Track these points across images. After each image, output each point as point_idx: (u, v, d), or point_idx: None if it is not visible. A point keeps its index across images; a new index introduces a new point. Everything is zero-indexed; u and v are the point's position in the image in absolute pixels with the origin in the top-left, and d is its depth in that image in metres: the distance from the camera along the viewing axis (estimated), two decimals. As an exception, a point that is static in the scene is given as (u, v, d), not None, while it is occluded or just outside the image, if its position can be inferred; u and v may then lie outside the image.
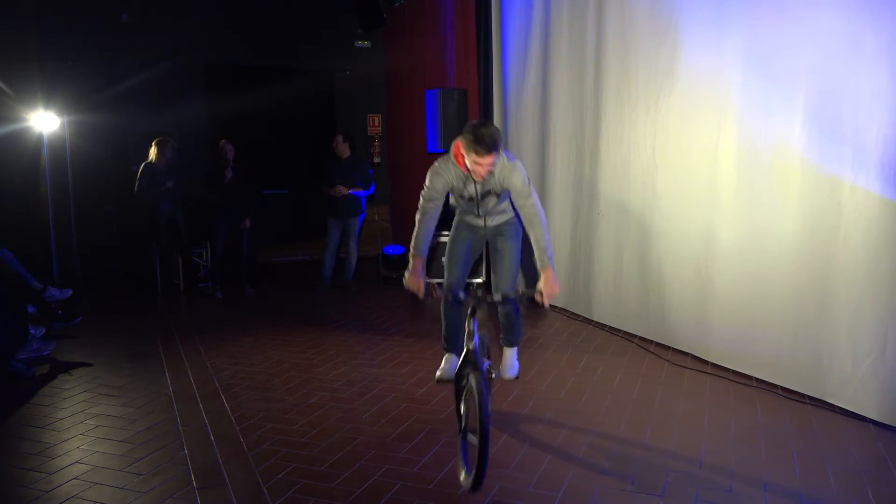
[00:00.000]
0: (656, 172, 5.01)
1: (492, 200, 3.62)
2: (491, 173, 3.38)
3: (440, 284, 3.59)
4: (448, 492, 2.97)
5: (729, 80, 4.37)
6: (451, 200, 3.85)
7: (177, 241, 7.25)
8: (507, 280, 3.80)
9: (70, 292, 6.07)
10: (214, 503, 2.94)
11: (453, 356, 3.98)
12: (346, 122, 9.35)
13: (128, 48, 8.05)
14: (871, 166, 3.59)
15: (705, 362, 4.67)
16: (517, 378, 4.10)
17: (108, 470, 3.24)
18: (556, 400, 4.10)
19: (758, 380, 4.32)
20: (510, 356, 4.07)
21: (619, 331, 5.49)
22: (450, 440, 3.46)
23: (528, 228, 3.48)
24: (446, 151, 7.00)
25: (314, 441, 3.53)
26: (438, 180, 3.51)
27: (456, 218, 3.93)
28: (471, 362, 3.04)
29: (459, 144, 3.36)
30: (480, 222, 3.80)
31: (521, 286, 4.50)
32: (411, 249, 3.43)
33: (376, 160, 9.86)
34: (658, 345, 5.09)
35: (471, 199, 3.60)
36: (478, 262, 4.06)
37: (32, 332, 5.13)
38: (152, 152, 6.96)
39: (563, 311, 6.15)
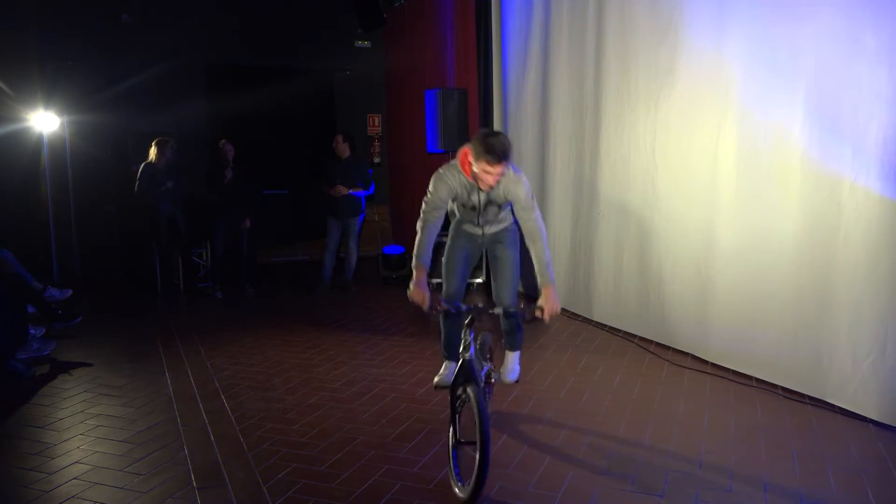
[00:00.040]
0: (656, 172, 5.01)
1: (493, 210, 3.59)
2: (497, 183, 3.34)
3: (441, 295, 3.58)
4: (448, 492, 2.97)
5: (729, 80, 4.37)
6: (450, 208, 3.82)
7: (177, 241, 7.25)
8: (509, 289, 3.80)
9: (70, 292, 6.07)
10: (214, 503, 2.94)
11: (452, 363, 3.98)
12: (346, 122, 9.35)
13: (128, 48, 8.06)
14: (871, 166, 3.59)
15: (705, 362, 4.67)
16: (517, 382, 4.11)
17: (108, 470, 3.24)
18: (556, 400, 4.10)
19: (758, 380, 4.32)
20: (512, 360, 4.07)
21: (619, 331, 5.50)
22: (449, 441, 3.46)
23: (529, 244, 3.44)
24: (446, 151, 7.07)
25: (314, 441, 3.53)
26: (443, 187, 3.44)
27: (453, 226, 3.88)
28: (466, 373, 3.02)
29: (467, 152, 3.32)
30: (479, 231, 3.77)
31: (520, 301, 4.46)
32: (413, 260, 3.34)
33: (376, 160, 9.86)
34: (658, 345, 5.10)
35: (473, 208, 3.56)
36: (477, 265, 4.04)
37: (32, 332, 5.13)
38: (152, 152, 6.96)
39: (563, 311, 6.14)
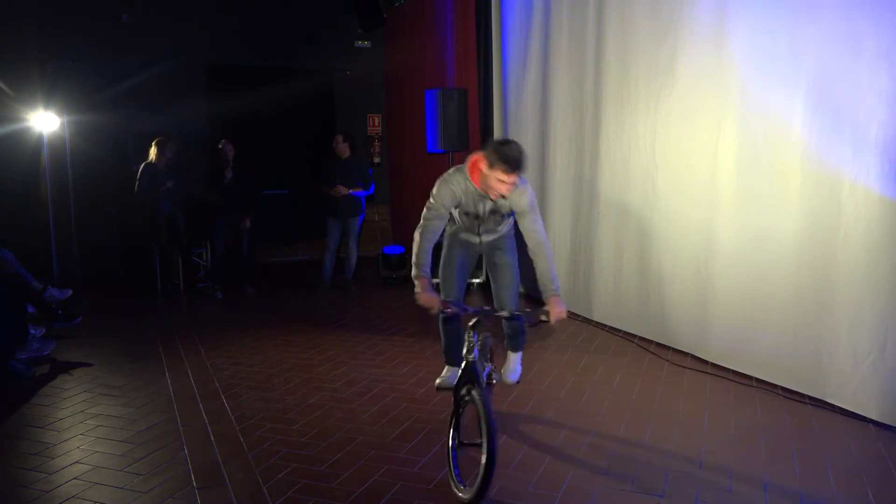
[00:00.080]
0: (656, 172, 5.01)
1: (496, 220, 3.57)
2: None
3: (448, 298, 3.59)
4: (448, 492, 2.97)
5: (729, 80, 4.37)
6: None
7: (177, 241, 7.25)
8: (511, 295, 3.80)
9: (70, 292, 6.07)
10: (214, 503, 2.94)
11: (455, 368, 3.98)
12: (346, 122, 9.35)
13: (128, 48, 8.06)
14: (871, 166, 3.59)
15: (705, 362, 4.67)
16: (518, 383, 4.12)
17: (108, 470, 3.24)
18: (556, 400, 4.10)
19: (758, 380, 4.32)
20: (514, 361, 4.08)
21: (619, 331, 5.50)
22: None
23: (533, 257, 3.41)
24: (446, 151, 7.06)
25: (314, 441, 3.53)
26: (447, 193, 3.37)
27: (447, 234, 3.83)
28: (470, 374, 3.02)
29: (478, 160, 3.27)
30: (476, 239, 3.74)
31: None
32: (414, 269, 3.26)
33: (376, 160, 9.86)
34: (658, 345, 5.09)
35: (477, 216, 3.52)
36: (477, 267, 4.03)
37: (32, 332, 5.13)
38: (152, 152, 6.97)
39: (563, 311, 6.14)
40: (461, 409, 3.06)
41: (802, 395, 4.03)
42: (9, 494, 3.04)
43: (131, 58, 8.03)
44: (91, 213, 7.95)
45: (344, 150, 7.10)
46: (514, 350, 4.06)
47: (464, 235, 3.77)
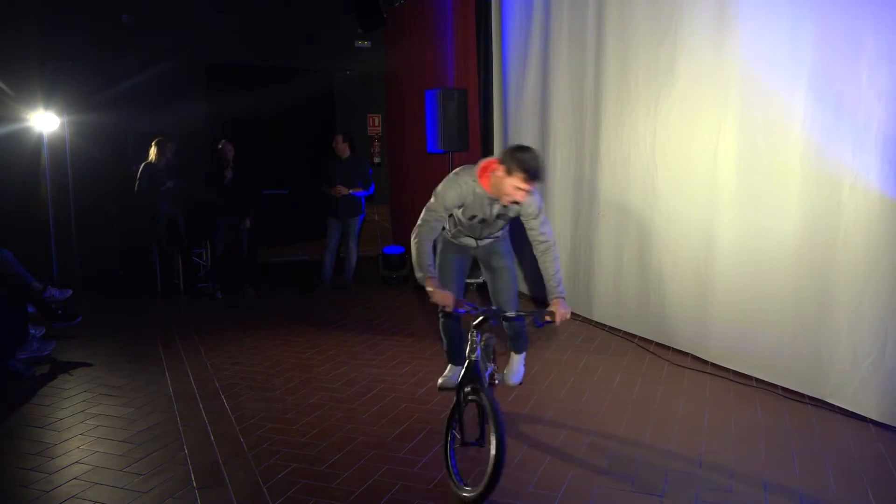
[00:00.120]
0: (656, 172, 5.01)
1: (499, 224, 3.56)
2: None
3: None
4: (448, 492, 2.97)
5: (729, 80, 4.37)
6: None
7: (177, 241, 7.25)
8: (511, 299, 3.80)
9: (70, 292, 6.07)
10: (214, 503, 2.94)
11: (457, 367, 3.99)
12: (346, 122, 9.35)
13: (128, 48, 8.06)
14: (871, 166, 3.59)
15: (705, 362, 4.67)
16: (520, 384, 4.12)
17: (108, 470, 3.24)
18: (556, 400, 4.10)
19: (758, 380, 4.32)
20: (517, 362, 4.09)
21: (619, 331, 5.50)
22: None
23: (541, 258, 3.41)
24: (446, 151, 7.05)
25: (314, 441, 3.53)
26: (454, 193, 3.32)
27: (441, 238, 3.80)
28: (473, 375, 3.03)
29: (492, 164, 3.24)
30: (474, 243, 3.73)
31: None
32: (420, 270, 3.21)
33: (376, 160, 9.86)
34: (658, 345, 5.09)
35: (482, 220, 3.49)
36: (474, 267, 4.00)
37: (32, 332, 5.13)
38: (152, 152, 6.97)
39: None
40: (463, 408, 3.05)
41: (802, 395, 4.03)
42: (9, 494, 3.04)
43: (131, 58, 8.03)
44: (91, 213, 7.95)
45: (344, 150, 7.11)
46: (518, 351, 4.07)
47: (461, 239, 3.74)
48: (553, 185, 6.18)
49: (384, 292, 7.34)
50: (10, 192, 7.35)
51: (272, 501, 2.92)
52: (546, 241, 3.42)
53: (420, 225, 3.33)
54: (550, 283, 3.36)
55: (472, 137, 7.03)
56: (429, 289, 3.14)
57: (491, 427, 2.82)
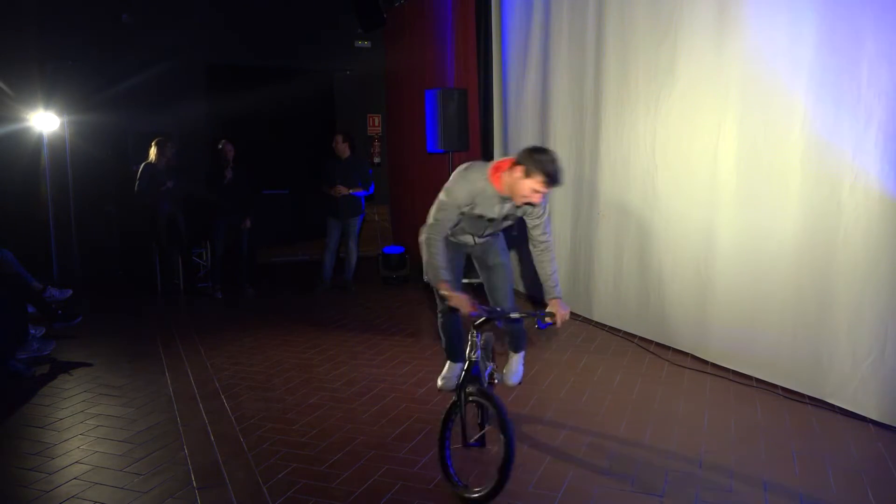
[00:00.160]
0: (656, 172, 5.01)
1: (504, 224, 3.53)
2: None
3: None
4: (448, 492, 2.96)
5: (729, 80, 4.37)
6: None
7: (177, 241, 7.25)
8: (509, 297, 3.79)
9: (70, 292, 6.07)
10: (214, 503, 2.94)
11: (456, 365, 3.99)
12: (346, 122, 9.35)
13: (128, 48, 8.06)
14: (871, 166, 3.59)
15: (705, 362, 4.67)
16: (519, 384, 4.12)
17: (108, 470, 3.24)
18: (556, 400, 4.10)
19: (758, 380, 4.32)
20: (516, 362, 4.08)
21: (619, 331, 5.50)
22: (454, 441, 3.45)
23: (540, 259, 3.41)
24: (446, 151, 7.05)
25: (314, 441, 3.53)
26: (464, 191, 3.25)
27: None
28: (474, 375, 3.04)
29: (507, 164, 3.19)
30: (472, 241, 3.69)
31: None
32: (434, 273, 3.18)
33: (376, 160, 9.86)
34: (658, 345, 5.09)
35: (490, 220, 3.44)
36: (468, 266, 3.98)
37: (32, 332, 5.13)
38: (152, 152, 6.97)
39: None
40: (465, 409, 3.05)
41: (802, 395, 4.03)
42: (9, 494, 3.04)
43: (131, 58, 8.03)
44: (91, 213, 7.95)
45: (344, 150, 7.11)
46: (517, 350, 4.07)
47: (459, 237, 3.71)
48: (553, 185, 6.17)
49: (384, 292, 7.34)
50: (10, 192, 7.35)
51: (272, 501, 2.92)
52: (547, 242, 3.42)
53: (431, 225, 3.28)
54: (549, 283, 3.36)
55: (472, 137, 7.03)
56: (443, 293, 3.11)
57: (498, 428, 2.81)
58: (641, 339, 5.27)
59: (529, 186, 3.10)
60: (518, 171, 3.11)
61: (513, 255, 6.89)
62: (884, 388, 3.61)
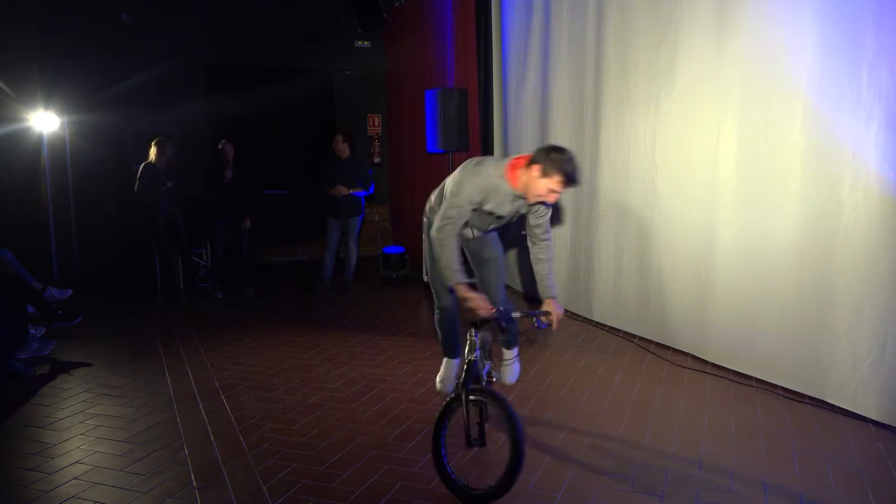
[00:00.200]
0: (656, 172, 5.01)
1: (510, 220, 3.50)
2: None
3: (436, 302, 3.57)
4: (448, 492, 2.96)
5: (729, 80, 4.37)
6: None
7: (177, 241, 7.25)
8: (502, 289, 3.78)
9: (70, 292, 6.07)
10: (214, 503, 2.94)
11: (453, 361, 3.99)
12: (346, 122, 9.35)
13: (128, 48, 8.06)
14: (871, 166, 3.59)
15: (705, 362, 4.67)
16: (516, 382, 4.12)
17: (108, 470, 3.24)
18: (556, 400, 4.10)
19: (758, 380, 4.31)
20: (512, 359, 4.08)
21: (619, 331, 5.50)
22: (449, 440, 3.44)
23: (539, 258, 3.40)
24: (446, 151, 7.04)
25: (314, 441, 3.53)
26: (477, 189, 3.17)
27: (428, 231, 3.69)
28: (475, 375, 3.03)
29: (524, 162, 3.14)
30: (471, 234, 3.67)
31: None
32: (452, 275, 3.11)
33: (376, 160, 9.86)
34: (658, 345, 5.09)
35: (499, 217, 3.40)
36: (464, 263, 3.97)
37: (32, 332, 5.13)
38: (152, 152, 6.97)
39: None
40: (468, 410, 3.04)
41: (802, 395, 4.03)
42: (9, 494, 3.04)
43: (131, 58, 8.03)
44: (91, 213, 7.96)
45: (344, 150, 7.11)
46: (510, 347, 4.05)
47: (461, 230, 3.69)
48: (553, 185, 6.17)
49: (384, 292, 7.34)
50: (10, 192, 7.35)
51: (272, 501, 2.92)
52: (548, 240, 3.42)
53: (445, 224, 3.16)
54: (546, 282, 3.36)
55: (472, 137, 7.04)
56: (462, 294, 3.08)
57: (507, 427, 2.80)
58: (641, 339, 5.27)
59: (546, 186, 3.06)
60: (535, 170, 3.07)
61: (512, 255, 6.89)
62: (884, 388, 3.61)
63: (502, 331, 3.99)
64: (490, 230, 3.66)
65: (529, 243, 3.46)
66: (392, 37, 9.28)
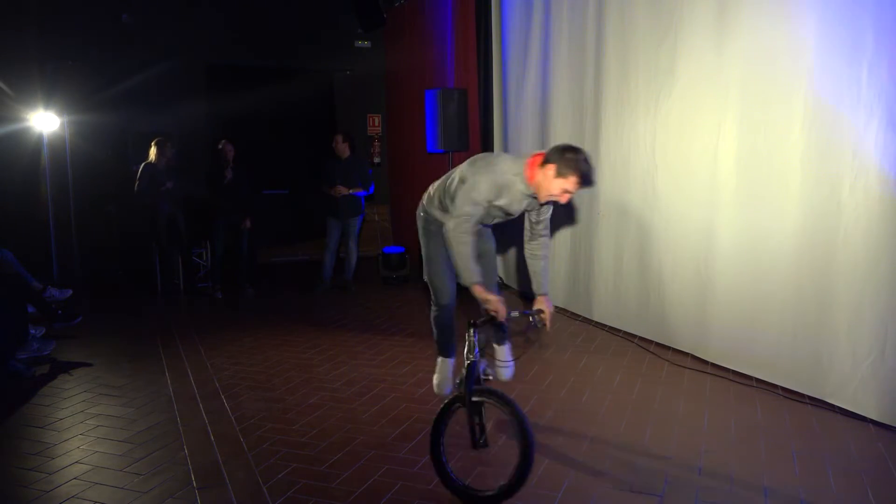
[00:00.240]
0: (656, 172, 5.01)
1: (515, 217, 3.48)
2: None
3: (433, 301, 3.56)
4: (448, 492, 2.96)
5: (729, 80, 4.37)
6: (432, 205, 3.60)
7: (177, 241, 7.25)
8: (494, 283, 3.76)
9: (70, 292, 6.07)
10: (214, 503, 2.94)
11: (448, 361, 3.97)
12: (346, 122, 9.36)
13: (128, 48, 8.07)
14: (871, 166, 3.59)
15: (705, 362, 4.67)
16: (511, 379, 4.11)
17: (108, 470, 3.24)
18: (556, 400, 4.10)
19: (758, 380, 4.31)
20: (505, 355, 4.04)
21: (619, 331, 5.49)
22: (449, 440, 3.44)
23: (536, 255, 3.40)
24: (446, 151, 7.03)
25: (314, 441, 3.53)
26: (492, 188, 3.12)
27: (423, 227, 3.67)
28: (475, 376, 3.03)
29: (540, 159, 3.09)
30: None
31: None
32: (469, 276, 3.08)
33: (376, 160, 9.87)
34: (658, 345, 5.09)
35: (508, 214, 3.37)
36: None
37: (32, 332, 5.13)
38: (152, 152, 6.97)
39: (563, 311, 6.15)
40: (472, 412, 3.04)
41: (802, 395, 4.03)
42: (9, 494, 3.04)
43: (131, 58, 8.04)
44: (91, 213, 7.96)
45: (344, 150, 7.11)
46: (501, 343, 4.03)
47: None
48: (553, 185, 6.17)
49: (384, 292, 7.34)
50: (10, 192, 7.35)
51: (272, 501, 2.92)
52: (547, 237, 3.43)
53: (461, 222, 3.11)
54: (540, 279, 3.37)
55: (472, 137, 7.04)
56: (480, 296, 3.06)
57: (516, 429, 2.80)
58: (641, 339, 5.27)
59: (561, 186, 3.03)
60: (549, 170, 3.03)
61: (511, 254, 6.89)
62: (884, 388, 3.61)
63: (496, 328, 3.98)
64: (490, 225, 3.66)
65: (526, 238, 3.45)
66: (392, 37, 9.28)
